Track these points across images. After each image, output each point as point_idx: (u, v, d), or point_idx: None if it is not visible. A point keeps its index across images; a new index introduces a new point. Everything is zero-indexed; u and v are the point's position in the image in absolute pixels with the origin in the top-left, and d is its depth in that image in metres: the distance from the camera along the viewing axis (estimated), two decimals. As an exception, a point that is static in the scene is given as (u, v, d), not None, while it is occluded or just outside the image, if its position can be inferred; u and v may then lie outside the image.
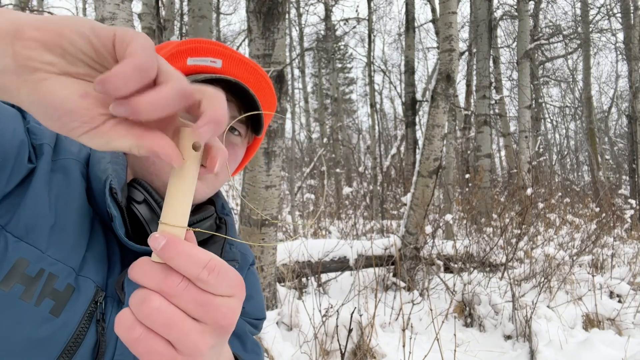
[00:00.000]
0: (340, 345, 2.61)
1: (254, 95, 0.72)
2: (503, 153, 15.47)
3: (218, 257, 0.41)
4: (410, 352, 2.55)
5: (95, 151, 0.70)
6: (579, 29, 13.26)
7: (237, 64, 0.76)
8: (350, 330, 2.56)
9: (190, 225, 0.73)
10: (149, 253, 0.65)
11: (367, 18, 9.74)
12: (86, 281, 0.61)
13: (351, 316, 2.51)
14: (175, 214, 0.40)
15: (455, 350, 2.55)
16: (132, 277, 0.40)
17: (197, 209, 0.80)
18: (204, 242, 0.77)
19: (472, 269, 4.75)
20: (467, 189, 8.20)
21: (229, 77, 0.71)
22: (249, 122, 0.79)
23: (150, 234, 0.62)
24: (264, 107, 0.79)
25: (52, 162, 0.64)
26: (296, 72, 18.86)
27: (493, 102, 10.62)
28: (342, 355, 2.53)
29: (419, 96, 10.75)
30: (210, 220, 0.78)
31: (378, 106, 17.69)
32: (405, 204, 4.86)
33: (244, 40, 13.29)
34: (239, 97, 0.75)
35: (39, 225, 0.58)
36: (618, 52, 15.86)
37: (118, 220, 0.63)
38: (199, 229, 0.46)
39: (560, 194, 9.04)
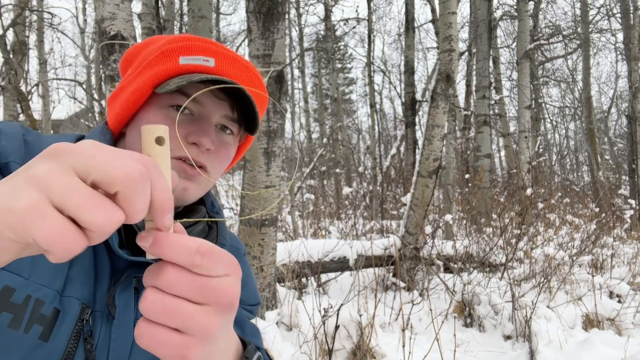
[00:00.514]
0: (330, 345, 2.61)
1: (250, 97, 0.71)
2: (503, 153, 15.47)
3: (207, 241, 0.42)
4: (410, 352, 2.55)
5: None
6: (579, 29, 13.26)
7: (230, 63, 0.75)
8: (337, 327, 2.56)
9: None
10: (143, 262, 0.65)
11: (366, 18, 9.74)
12: (70, 301, 0.60)
13: (337, 313, 2.52)
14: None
15: (455, 351, 2.55)
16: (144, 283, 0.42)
17: (189, 211, 0.80)
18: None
19: (471, 269, 4.75)
20: (466, 189, 8.20)
21: (223, 77, 0.71)
22: (242, 121, 0.78)
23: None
24: (257, 104, 0.78)
25: None
26: (296, 72, 18.88)
27: (493, 102, 10.62)
28: (330, 352, 2.53)
29: (418, 96, 10.76)
30: (202, 224, 0.78)
31: (378, 106, 17.69)
32: (405, 204, 4.86)
33: (243, 40, 13.29)
34: (233, 96, 0.75)
35: None
36: (618, 53, 15.87)
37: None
38: (185, 219, 0.49)
39: (560, 194, 9.04)
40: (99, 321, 0.63)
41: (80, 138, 0.76)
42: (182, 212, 0.80)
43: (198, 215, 0.79)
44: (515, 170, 8.94)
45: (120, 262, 0.67)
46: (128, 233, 0.68)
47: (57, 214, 0.33)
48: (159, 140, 0.41)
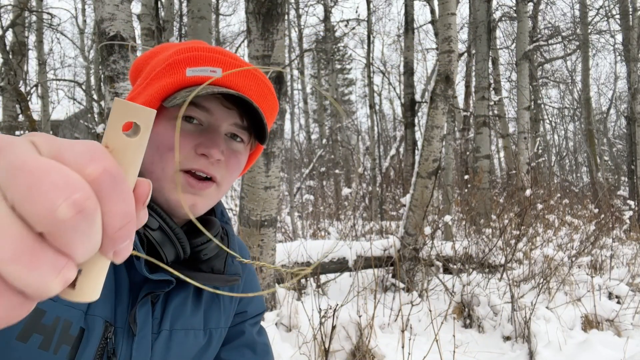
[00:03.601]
0: (326, 346, 2.61)
1: (256, 106, 0.71)
2: (502, 154, 15.48)
3: None
4: (409, 353, 2.55)
5: None
6: (578, 30, 13.28)
7: (237, 72, 0.74)
8: (334, 327, 2.56)
9: (197, 246, 0.75)
10: (159, 281, 0.66)
11: (366, 19, 9.75)
12: (95, 319, 0.62)
13: (333, 313, 2.52)
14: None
15: (454, 352, 2.55)
16: None
17: (201, 222, 0.80)
18: (208, 258, 0.77)
19: (471, 270, 4.75)
20: (466, 190, 8.20)
21: (229, 90, 0.70)
22: (252, 129, 0.78)
23: (163, 257, 0.67)
24: (265, 114, 0.78)
25: None
26: (295, 73, 18.86)
27: (492, 103, 10.63)
28: (326, 352, 2.53)
29: (418, 97, 10.76)
30: (217, 238, 0.79)
31: (377, 107, 17.69)
32: (404, 205, 4.86)
33: (243, 41, 13.28)
34: (241, 103, 0.75)
35: None
36: (617, 54, 15.88)
37: (140, 250, 0.65)
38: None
39: (559, 195, 9.05)
40: (120, 337, 0.65)
41: None
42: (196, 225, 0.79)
43: (213, 227, 0.79)
44: (514, 171, 8.95)
45: (138, 275, 0.68)
46: (146, 250, 0.69)
47: None
48: (133, 129, 0.29)
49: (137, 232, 0.64)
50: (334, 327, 2.81)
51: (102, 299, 0.64)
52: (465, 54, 12.40)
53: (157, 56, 0.77)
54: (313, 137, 20.07)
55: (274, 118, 0.85)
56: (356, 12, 11.73)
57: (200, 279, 0.74)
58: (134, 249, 0.60)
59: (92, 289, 0.27)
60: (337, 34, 15.01)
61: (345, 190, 9.18)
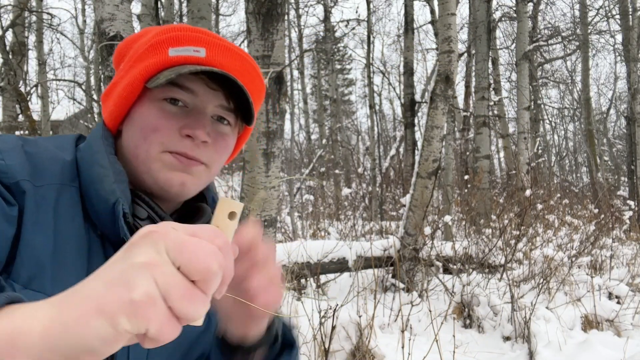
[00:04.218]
0: (326, 346, 2.61)
1: (242, 86, 0.69)
2: (502, 154, 15.48)
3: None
4: (409, 354, 2.55)
5: (88, 166, 0.68)
6: (578, 30, 13.29)
7: (221, 52, 0.72)
8: (334, 327, 2.56)
9: None
10: None
11: (366, 19, 9.76)
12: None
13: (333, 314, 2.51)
14: None
15: (454, 352, 2.55)
16: None
17: (193, 212, 0.78)
18: None
19: (471, 270, 4.75)
20: (466, 190, 8.20)
21: (213, 68, 0.68)
22: (238, 111, 0.76)
23: None
24: (252, 94, 0.76)
25: (35, 191, 0.61)
26: (295, 73, 18.87)
27: (492, 103, 10.63)
28: (326, 352, 2.53)
29: (418, 97, 10.77)
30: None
31: (377, 107, 17.70)
32: (404, 205, 4.86)
33: (243, 41, 13.30)
34: (226, 84, 0.72)
35: (40, 270, 0.59)
36: (617, 54, 15.89)
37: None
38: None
39: (559, 195, 9.05)
40: None
41: (79, 138, 0.76)
42: (187, 212, 0.78)
43: (204, 215, 0.77)
44: (514, 171, 8.95)
45: None
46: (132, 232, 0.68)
47: (164, 304, 0.36)
48: (232, 215, 0.45)
49: (127, 223, 0.64)
50: (333, 327, 2.81)
51: None
52: (465, 54, 12.41)
53: (140, 40, 0.75)
54: (313, 137, 20.08)
55: (261, 100, 0.83)
56: (356, 12, 11.73)
57: None
58: (124, 238, 0.62)
59: (202, 319, 0.40)
60: (337, 34, 15.02)
61: (345, 191, 9.19)
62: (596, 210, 7.86)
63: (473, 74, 9.92)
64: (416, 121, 8.44)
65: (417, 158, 4.70)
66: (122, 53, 0.78)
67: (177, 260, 0.37)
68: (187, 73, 0.67)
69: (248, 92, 0.70)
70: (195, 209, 0.79)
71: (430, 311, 2.75)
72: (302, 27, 16.28)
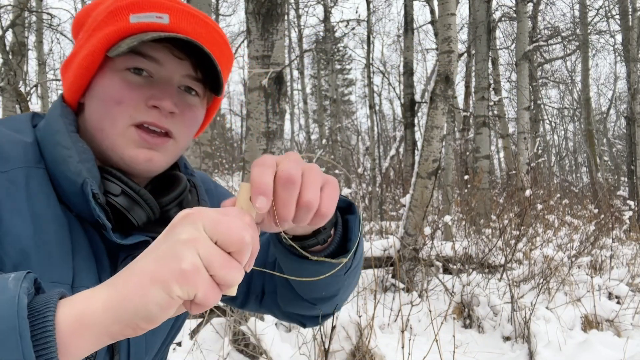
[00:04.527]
0: (326, 346, 2.61)
1: (210, 54, 0.66)
2: (502, 154, 15.49)
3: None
4: (409, 354, 2.55)
5: (50, 147, 0.65)
6: (578, 30, 13.29)
7: (186, 18, 0.68)
8: (333, 327, 2.56)
9: (165, 205, 0.71)
10: (136, 243, 0.66)
11: (366, 19, 9.76)
12: (82, 290, 0.59)
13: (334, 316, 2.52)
14: None
15: (454, 352, 2.55)
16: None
17: (167, 182, 0.75)
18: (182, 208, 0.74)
19: (471, 270, 4.75)
20: (466, 190, 8.20)
21: (178, 34, 0.65)
22: (206, 81, 0.73)
23: (134, 221, 0.67)
24: (220, 63, 0.72)
25: (2, 177, 0.59)
26: (295, 73, 18.89)
27: (492, 103, 10.63)
28: (326, 353, 2.53)
29: (417, 97, 10.76)
30: (179, 194, 0.74)
31: (377, 107, 17.71)
32: (404, 205, 4.86)
33: (243, 41, 13.29)
34: (193, 54, 0.69)
35: (25, 257, 0.57)
36: (616, 54, 15.89)
37: (104, 222, 0.62)
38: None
39: (559, 195, 9.05)
40: None
41: (34, 117, 0.73)
42: (161, 183, 0.76)
43: (180, 183, 0.75)
44: (514, 172, 8.96)
45: (113, 243, 0.67)
46: (116, 215, 0.66)
47: (207, 273, 0.41)
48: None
49: (99, 204, 0.62)
50: (333, 328, 2.81)
51: (85, 270, 0.62)
52: (465, 54, 12.41)
53: (98, 7, 0.70)
54: (313, 137, 20.07)
55: (229, 70, 0.79)
56: (356, 12, 11.72)
57: None
58: (98, 219, 0.61)
59: (236, 287, 0.45)
60: (337, 34, 15.02)
61: (345, 191, 9.18)
62: (596, 211, 7.86)
63: (473, 74, 9.93)
64: (416, 121, 8.45)
65: (417, 158, 4.70)
66: (81, 22, 0.73)
67: (214, 235, 0.42)
68: (149, 40, 0.63)
69: (216, 60, 0.67)
70: (170, 178, 0.76)
71: (430, 311, 2.75)
72: (302, 27, 16.29)
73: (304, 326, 0.87)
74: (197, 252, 0.40)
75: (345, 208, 0.70)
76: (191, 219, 0.43)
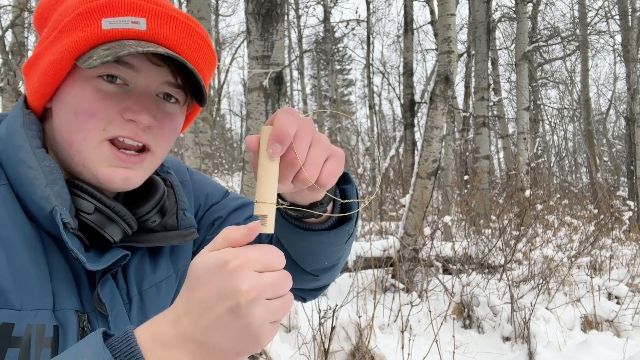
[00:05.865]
0: (326, 346, 2.61)
1: (190, 66, 0.60)
2: (502, 155, 15.49)
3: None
4: (409, 354, 2.55)
5: (13, 164, 0.59)
6: (577, 31, 13.30)
7: (165, 22, 0.61)
8: (333, 328, 2.56)
9: (142, 216, 0.68)
10: (111, 266, 0.65)
11: (366, 20, 9.76)
12: (65, 313, 0.58)
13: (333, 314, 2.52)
14: (268, 193, 0.50)
15: (454, 352, 2.55)
16: None
17: (142, 191, 0.71)
18: (161, 215, 0.71)
19: (470, 270, 4.75)
20: (465, 191, 8.21)
21: (157, 48, 0.58)
22: (188, 88, 0.67)
23: (109, 238, 0.65)
24: (201, 69, 0.66)
25: None
26: (295, 73, 18.89)
27: (491, 103, 10.63)
28: (325, 353, 2.53)
29: (417, 98, 10.77)
30: (160, 203, 0.71)
31: (377, 108, 17.71)
32: (404, 206, 4.86)
33: (242, 41, 13.31)
34: (172, 59, 0.63)
35: (1, 292, 0.53)
36: (616, 54, 15.90)
37: (78, 248, 0.58)
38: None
39: (558, 195, 9.06)
40: (94, 322, 0.62)
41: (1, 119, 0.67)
42: (135, 191, 0.71)
43: (158, 189, 0.71)
44: (514, 172, 8.96)
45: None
46: (88, 234, 0.63)
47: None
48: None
49: (74, 232, 0.58)
50: (333, 328, 2.81)
51: (65, 291, 0.59)
52: (465, 55, 12.42)
53: (65, 2, 0.63)
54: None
55: (212, 73, 0.73)
56: (356, 12, 11.73)
57: (155, 240, 0.70)
58: (71, 252, 0.57)
59: (272, 225, 0.50)
60: (337, 34, 15.03)
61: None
62: (596, 211, 7.87)
63: (473, 74, 9.93)
64: (416, 121, 8.45)
65: (416, 158, 4.70)
66: (44, 15, 0.66)
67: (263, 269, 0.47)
68: (126, 54, 0.56)
69: (196, 71, 0.61)
70: (146, 183, 0.70)
71: (430, 311, 2.76)
72: (302, 27, 16.29)
73: (304, 301, 0.87)
74: (267, 320, 0.46)
75: (340, 178, 0.69)
76: (242, 266, 0.46)
